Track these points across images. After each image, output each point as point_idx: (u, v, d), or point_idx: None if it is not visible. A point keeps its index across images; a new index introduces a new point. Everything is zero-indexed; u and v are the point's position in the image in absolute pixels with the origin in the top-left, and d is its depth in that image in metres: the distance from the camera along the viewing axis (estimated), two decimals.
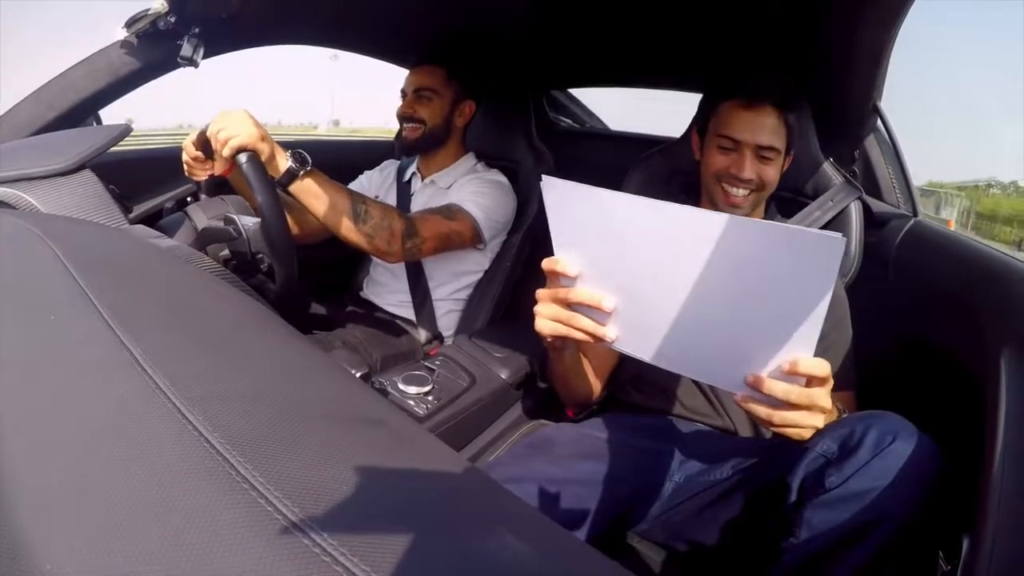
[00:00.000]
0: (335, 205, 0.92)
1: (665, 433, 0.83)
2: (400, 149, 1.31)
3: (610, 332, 0.56)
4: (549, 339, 0.61)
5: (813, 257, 0.43)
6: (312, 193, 0.90)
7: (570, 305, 0.57)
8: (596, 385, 0.88)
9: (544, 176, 0.53)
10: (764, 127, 0.82)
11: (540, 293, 0.59)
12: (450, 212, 1.10)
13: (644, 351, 0.55)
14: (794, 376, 0.49)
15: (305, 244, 1.27)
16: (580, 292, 0.55)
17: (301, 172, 0.88)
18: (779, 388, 0.49)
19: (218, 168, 0.88)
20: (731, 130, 0.84)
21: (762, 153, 0.83)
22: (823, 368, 0.49)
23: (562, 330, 0.58)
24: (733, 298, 0.49)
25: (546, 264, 0.57)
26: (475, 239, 1.15)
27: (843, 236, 0.42)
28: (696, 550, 0.74)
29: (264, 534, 0.23)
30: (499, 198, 1.18)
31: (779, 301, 0.47)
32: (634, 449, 0.78)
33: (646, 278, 0.52)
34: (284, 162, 0.86)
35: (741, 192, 0.84)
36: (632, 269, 0.53)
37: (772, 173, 0.84)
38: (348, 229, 0.94)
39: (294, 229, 1.24)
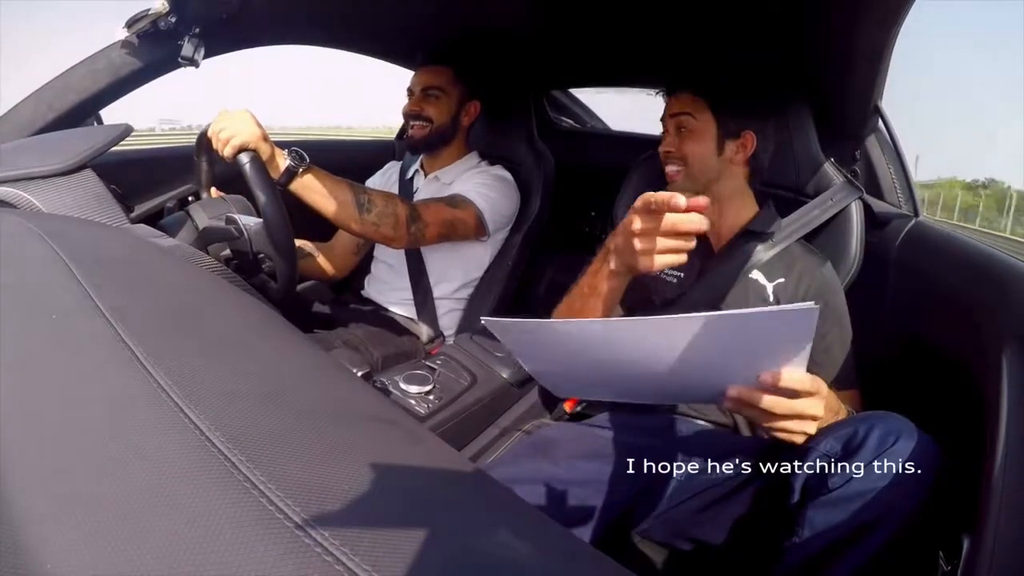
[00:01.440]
0: (337, 198, 0.92)
1: (667, 431, 0.83)
2: (406, 147, 1.31)
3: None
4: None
5: (794, 325, 0.47)
6: (313, 189, 0.90)
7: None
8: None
9: (483, 319, 0.55)
10: (678, 103, 0.90)
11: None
12: (454, 201, 1.11)
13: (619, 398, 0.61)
14: (779, 389, 0.50)
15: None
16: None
17: (300, 169, 0.88)
18: (764, 401, 0.51)
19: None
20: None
21: (679, 124, 0.89)
22: (806, 382, 0.50)
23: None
24: (712, 363, 0.52)
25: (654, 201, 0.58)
26: (479, 230, 1.14)
27: (817, 305, 0.45)
28: (698, 549, 0.74)
29: (265, 532, 0.23)
30: (504, 191, 1.18)
31: (760, 356, 0.51)
32: (636, 448, 0.77)
33: (618, 369, 0.57)
34: (283, 161, 0.87)
35: (672, 168, 0.90)
36: (601, 368, 0.58)
37: (691, 147, 0.88)
38: (353, 220, 0.94)
39: (328, 269, 1.28)
